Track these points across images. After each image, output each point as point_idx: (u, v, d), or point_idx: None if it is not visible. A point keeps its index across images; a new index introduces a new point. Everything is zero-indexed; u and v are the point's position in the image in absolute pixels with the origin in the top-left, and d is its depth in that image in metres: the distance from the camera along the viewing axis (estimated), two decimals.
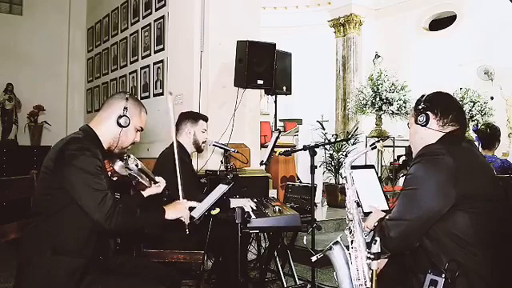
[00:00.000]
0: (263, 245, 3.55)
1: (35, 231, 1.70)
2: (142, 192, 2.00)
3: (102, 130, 1.84)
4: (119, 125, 1.83)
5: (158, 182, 2.03)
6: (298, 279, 3.21)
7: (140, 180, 1.91)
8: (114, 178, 1.86)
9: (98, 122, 1.86)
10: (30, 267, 1.66)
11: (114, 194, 1.74)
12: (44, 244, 1.65)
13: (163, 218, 1.87)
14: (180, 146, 2.89)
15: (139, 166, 1.90)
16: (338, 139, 6.46)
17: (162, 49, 5.09)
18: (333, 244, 1.63)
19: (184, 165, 2.83)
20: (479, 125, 5.28)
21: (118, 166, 1.84)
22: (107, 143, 1.85)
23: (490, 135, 3.59)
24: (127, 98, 1.87)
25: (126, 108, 1.84)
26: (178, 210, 1.94)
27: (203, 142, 2.96)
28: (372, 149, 1.79)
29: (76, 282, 1.66)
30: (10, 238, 1.82)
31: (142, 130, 1.95)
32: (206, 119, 3.01)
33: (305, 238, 2.74)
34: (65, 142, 1.70)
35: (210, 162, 4.00)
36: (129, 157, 1.90)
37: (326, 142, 5.50)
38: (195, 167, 3.94)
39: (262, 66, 4.08)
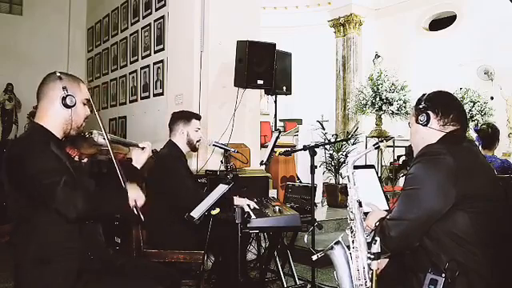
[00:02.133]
0: (263, 245, 3.55)
1: (18, 238, 1.68)
2: (135, 164, 1.93)
3: (49, 120, 1.73)
4: (67, 106, 1.71)
5: (142, 146, 1.94)
6: (298, 279, 3.21)
7: (117, 151, 1.81)
8: (85, 160, 1.77)
9: (42, 114, 1.74)
10: (22, 272, 1.65)
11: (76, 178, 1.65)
12: (28, 249, 1.63)
13: (127, 195, 1.69)
14: (174, 146, 2.89)
15: (109, 138, 1.77)
16: (338, 139, 6.46)
17: (162, 49, 5.09)
18: (334, 244, 1.63)
19: (180, 164, 2.85)
20: (479, 125, 5.28)
21: (85, 145, 1.76)
22: (60, 130, 1.74)
23: (492, 135, 3.60)
24: (60, 77, 1.74)
25: (65, 87, 1.71)
26: (137, 191, 1.74)
27: (197, 141, 2.94)
28: (375, 149, 1.79)
29: (71, 284, 1.63)
30: (9, 238, 1.82)
31: (88, 101, 1.83)
32: (198, 118, 2.98)
33: (305, 237, 2.74)
34: (7, 150, 1.64)
35: (210, 161, 4.00)
36: (91, 133, 1.79)
37: (326, 142, 5.50)
38: (195, 167, 3.94)
39: (262, 66, 4.08)
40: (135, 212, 1.70)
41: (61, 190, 1.53)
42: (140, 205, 1.74)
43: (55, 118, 1.73)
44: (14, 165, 1.60)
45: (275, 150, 3.36)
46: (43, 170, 1.56)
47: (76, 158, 1.75)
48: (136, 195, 1.70)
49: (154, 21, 5.27)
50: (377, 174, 2.32)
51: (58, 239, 1.65)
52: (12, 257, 1.69)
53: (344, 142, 5.72)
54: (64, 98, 1.71)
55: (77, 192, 1.55)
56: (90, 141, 1.79)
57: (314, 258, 1.71)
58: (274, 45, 4.18)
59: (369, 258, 1.53)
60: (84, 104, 1.80)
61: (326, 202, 6.03)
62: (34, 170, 1.56)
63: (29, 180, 1.57)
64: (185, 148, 2.92)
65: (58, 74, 1.75)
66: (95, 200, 1.64)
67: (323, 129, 5.99)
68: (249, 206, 2.66)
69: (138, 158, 1.92)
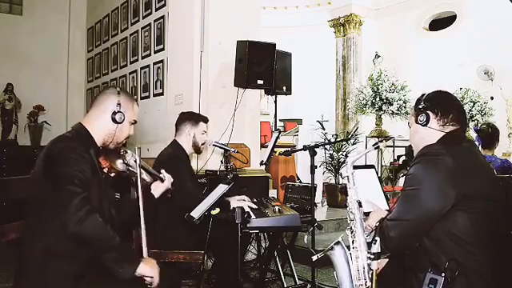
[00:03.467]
0: (263, 245, 3.55)
1: (28, 234, 1.69)
2: (153, 192, 1.99)
3: (95, 128, 1.80)
4: (114, 121, 1.80)
5: (163, 179, 1.99)
6: (298, 279, 3.21)
7: (141, 176, 1.85)
8: (112, 174, 1.82)
9: (91, 120, 1.82)
10: (24, 269, 1.66)
11: (104, 192, 1.70)
12: (36, 247, 1.64)
13: (136, 265, 1.65)
14: (178, 146, 2.89)
15: (138, 162, 1.85)
16: (338, 139, 6.46)
17: (162, 49, 5.09)
18: (334, 244, 1.64)
19: (183, 165, 2.85)
20: (479, 125, 5.28)
21: (118, 162, 1.81)
22: (101, 140, 1.82)
23: (492, 135, 3.60)
24: (119, 93, 1.83)
25: (119, 103, 1.80)
26: (152, 269, 1.69)
27: (202, 144, 2.94)
28: (375, 149, 1.79)
29: (72, 284, 1.64)
30: (9, 238, 1.82)
31: (135, 122, 1.92)
32: (206, 121, 2.98)
33: (305, 237, 2.74)
34: (51, 142, 1.69)
35: (210, 161, 4.00)
36: (126, 152, 1.86)
37: (326, 142, 5.50)
38: (195, 167, 3.94)
39: (262, 66, 4.08)
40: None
41: (77, 201, 1.56)
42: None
43: (101, 128, 1.81)
44: (53, 159, 1.63)
45: (275, 150, 3.36)
46: (74, 176, 1.59)
47: (105, 170, 1.80)
48: (150, 272, 1.66)
49: (154, 21, 5.27)
50: (377, 173, 2.32)
51: (66, 241, 1.65)
52: (13, 256, 1.69)
53: (344, 142, 5.72)
54: (115, 113, 1.80)
55: (91, 213, 1.57)
56: (122, 158, 1.85)
57: (314, 258, 1.71)
58: (274, 45, 4.18)
59: (369, 258, 1.53)
60: (131, 124, 1.89)
61: (325, 202, 6.03)
62: (66, 171, 1.60)
63: (58, 178, 1.60)
64: (189, 149, 2.91)
65: (118, 90, 1.85)
66: (104, 235, 1.62)
67: (323, 129, 5.99)
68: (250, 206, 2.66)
69: (156, 188, 1.97)
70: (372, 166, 2.34)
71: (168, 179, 2.02)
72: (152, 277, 1.68)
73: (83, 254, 1.68)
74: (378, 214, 1.73)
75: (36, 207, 1.69)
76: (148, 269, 1.67)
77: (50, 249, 1.63)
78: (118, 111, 1.80)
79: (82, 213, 1.56)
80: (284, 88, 5.60)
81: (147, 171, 1.97)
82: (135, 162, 1.85)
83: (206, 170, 3.88)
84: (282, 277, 3.13)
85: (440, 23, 8.89)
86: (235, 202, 2.63)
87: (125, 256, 1.67)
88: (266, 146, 3.89)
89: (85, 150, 1.69)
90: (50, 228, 1.64)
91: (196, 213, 2.18)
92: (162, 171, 2.04)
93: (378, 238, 1.46)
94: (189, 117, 2.96)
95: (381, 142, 1.84)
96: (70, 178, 1.59)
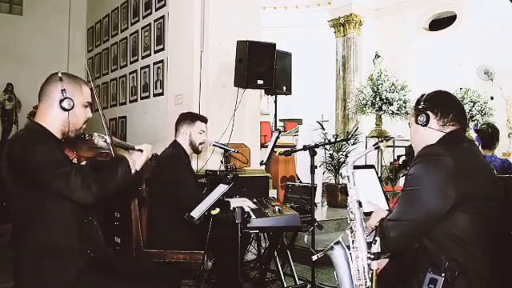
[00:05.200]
0: (263, 245, 3.55)
1: (20, 235, 1.69)
2: (135, 167, 1.88)
3: (48, 121, 1.73)
4: (64, 109, 1.71)
5: (140, 150, 1.89)
6: (298, 279, 3.21)
7: (117, 154, 1.80)
8: (83, 163, 1.76)
9: (42, 115, 1.74)
10: (20, 268, 1.66)
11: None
12: (30, 246, 1.63)
13: (126, 162, 1.73)
14: (178, 146, 2.88)
15: (108, 141, 1.77)
16: (338, 139, 6.46)
17: (162, 49, 5.09)
18: (334, 244, 1.64)
19: (183, 165, 2.84)
20: (479, 125, 5.29)
21: (85, 148, 1.77)
22: (59, 131, 1.74)
23: (492, 135, 3.60)
24: (61, 78, 1.73)
25: (63, 90, 1.71)
26: (138, 152, 1.80)
27: (200, 144, 2.90)
28: (375, 149, 1.78)
29: (70, 283, 1.63)
30: (9, 238, 1.82)
31: (90, 104, 1.81)
32: (204, 120, 2.96)
33: (305, 237, 2.74)
34: (7, 147, 1.63)
35: (210, 161, 4.00)
36: (91, 136, 1.78)
37: (326, 142, 5.50)
38: (195, 167, 3.94)
39: (262, 66, 4.08)
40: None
41: (74, 178, 1.56)
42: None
43: (53, 120, 1.73)
44: (18, 161, 1.59)
45: (275, 149, 3.36)
46: (50, 162, 1.57)
47: (74, 161, 1.73)
48: (134, 156, 1.78)
49: (154, 21, 5.27)
50: (377, 173, 2.32)
51: (60, 237, 1.65)
52: (13, 256, 1.69)
53: (344, 142, 5.72)
54: (61, 101, 1.71)
55: (88, 177, 1.58)
56: (90, 143, 1.78)
57: (314, 258, 1.71)
58: (274, 45, 4.18)
59: (369, 258, 1.53)
60: (85, 106, 1.79)
61: (325, 202, 6.03)
62: (40, 162, 1.56)
63: (36, 172, 1.57)
64: (188, 149, 2.91)
65: (60, 75, 1.74)
66: (103, 177, 1.66)
67: (323, 129, 5.98)
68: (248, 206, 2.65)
69: (136, 161, 1.85)
70: (372, 166, 2.34)
71: (146, 149, 1.88)
72: (141, 150, 1.80)
73: (76, 249, 1.67)
74: (378, 215, 1.73)
75: (18, 211, 1.67)
76: (136, 154, 1.79)
77: (44, 247, 1.63)
78: (65, 97, 1.70)
79: (86, 182, 1.57)
80: (284, 88, 5.60)
81: (122, 146, 1.88)
82: (105, 142, 1.77)
83: (206, 170, 3.88)
84: (282, 277, 3.13)
85: (440, 23, 8.89)
86: (236, 202, 2.63)
87: (121, 169, 1.71)
88: (266, 146, 3.89)
89: (44, 140, 1.64)
90: (42, 226, 1.63)
91: (196, 213, 2.17)
92: (143, 145, 1.94)
93: (378, 238, 1.45)
94: (186, 117, 2.95)
95: (381, 141, 1.83)
96: (48, 164, 1.56)
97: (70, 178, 1.55)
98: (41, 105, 1.77)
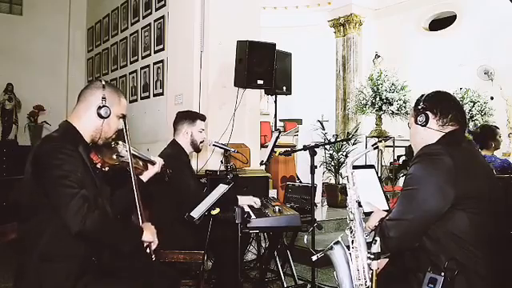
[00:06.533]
0: (263, 245, 3.55)
1: (24, 237, 1.69)
2: (141, 177, 1.97)
3: (82, 124, 1.76)
4: (100, 116, 1.75)
5: (154, 163, 1.98)
6: (298, 279, 3.21)
7: (135, 165, 1.84)
8: (106, 169, 1.79)
9: (78, 116, 1.77)
10: (23, 271, 1.66)
11: (94, 190, 1.68)
12: (31, 250, 1.63)
13: (140, 236, 1.77)
14: (178, 145, 2.89)
15: (131, 151, 1.82)
16: (338, 139, 6.47)
17: (162, 49, 5.10)
18: (334, 244, 1.64)
19: (183, 164, 2.85)
20: (477, 125, 5.30)
21: (111, 155, 1.80)
22: (89, 136, 1.78)
23: (482, 134, 3.62)
24: (104, 86, 1.78)
25: (104, 98, 1.75)
26: (153, 235, 1.82)
27: (201, 142, 2.93)
28: (374, 149, 1.79)
29: (71, 284, 1.63)
30: (10, 238, 1.82)
31: (124, 116, 1.86)
32: (203, 119, 2.97)
33: (305, 237, 2.74)
34: (38, 144, 1.67)
35: (210, 161, 4.00)
36: (117, 144, 1.83)
37: (326, 142, 5.50)
38: (195, 167, 3.94)
39: (262, 66, 4.08)
40: (147, 251, 1.78)
41: (76, 201, 1.55)
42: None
43: (87, 124, 1.77)
44: (42, 161, 1.61)
45: (275, 150, 3.36)
46: (67, 176, 1.58)
47: (98, 166, 1.77)
48: (151, 238, 1.79)
49: (154, 21, 5.27)
50: (377, 173, 2.32)
51: (65, 240, 1.65)
52: (13, 256, 1.69)
53: (344, 142, 5.72)
54: (100, 108, 1.75)
55: (91, 210, 1.57)
56: (114, 151, 1.83)
57: (314, 258, 1.71)
58: (274, 45, 4.18)
59: (369, 257, 1.53)
60: (119, 118, 1.83)
61: (325, 202, 6.03)
62: (58, 172, 1.58)
63: (51, 181, 1.58)
64: (188, 148, 2.91)
65: (103, 83, 1.79)
66: (108, 226, 1.67)
67: (323, 129, 5.99)
68: (251, 206, 2.66)
69: (148, 173, 1.95)
70: (372, 166, 2.34)
71: (158, 163, 2.00)
72: (151, 241, 1.80)
73: (82, 253, 1.68)
74: (378, 215, 1.73)
75: (29, 211, 1.68)
76: (149, 235, 1.79)
77: (47, 250, 1.63)
78: (104, 105, 1.75)
79: (83, 211, 1.55)
80: (284, 88, 5.60)
81: (140, 158, 1.93)
82: (127, 152, 1.82)
83: (206, 170, 3.88)
84: (282, 277, 3.13)
85: (440, 23, 8.88)
86: (244, 200, 2.65)
87: (128, 238, 1.75)
88: (266, 146, 3.90)
89: (73, 149, 1.66)
90: (47, 230, 1.63)
91: (196, 213, 2.18)
92: (157, 158, 2.03)
93: (377, 238, 1.46)
94: (185, 116, 2.95)
95: (380, 141, 1.84)
96: (63, 178, 1.57)
97: (73, 199, 1.55)
98: (78, 106, 1.80)
